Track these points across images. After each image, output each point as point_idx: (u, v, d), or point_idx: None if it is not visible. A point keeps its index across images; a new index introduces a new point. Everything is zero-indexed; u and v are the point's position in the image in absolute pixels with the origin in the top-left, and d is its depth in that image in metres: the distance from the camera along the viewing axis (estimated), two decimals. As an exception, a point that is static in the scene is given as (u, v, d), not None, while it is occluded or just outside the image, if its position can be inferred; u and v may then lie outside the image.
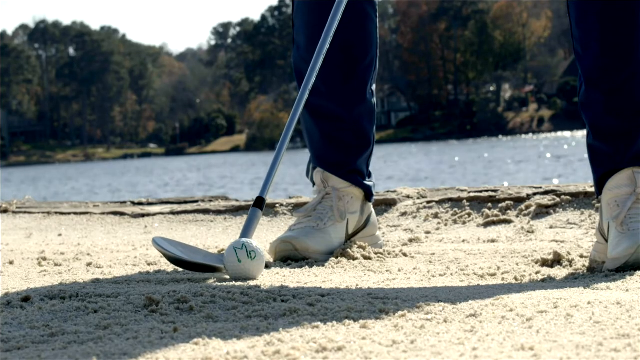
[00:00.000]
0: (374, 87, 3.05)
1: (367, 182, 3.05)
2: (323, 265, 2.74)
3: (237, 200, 4.27)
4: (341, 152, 3.01)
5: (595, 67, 2.62)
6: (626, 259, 2.44)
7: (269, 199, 4.07)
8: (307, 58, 2.96)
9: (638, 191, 2.59)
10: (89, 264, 2.92)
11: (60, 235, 3.94)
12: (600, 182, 2.67)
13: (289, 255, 2.85)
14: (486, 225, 3.43)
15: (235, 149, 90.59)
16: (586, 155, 2.74)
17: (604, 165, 2.65)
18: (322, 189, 3.02)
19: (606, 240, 2.58)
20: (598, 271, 2.50)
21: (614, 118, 2.61)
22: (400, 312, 1.83)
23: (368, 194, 3.04)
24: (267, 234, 3.60)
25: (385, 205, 3.76)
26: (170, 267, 2.80)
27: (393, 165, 34.69)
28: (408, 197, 3.82)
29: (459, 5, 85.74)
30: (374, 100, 3.05)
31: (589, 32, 2.61)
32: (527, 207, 3.49)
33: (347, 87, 2.97)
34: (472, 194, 3.68)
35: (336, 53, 2.93)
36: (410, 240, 3.24)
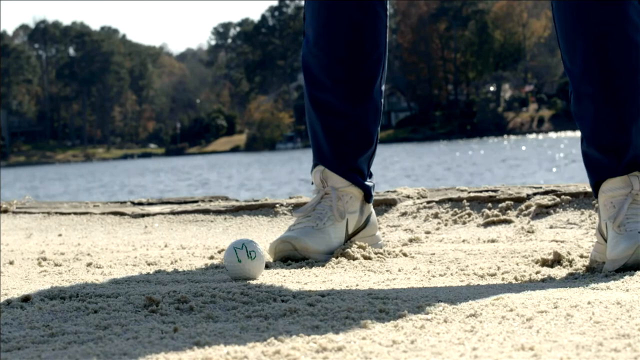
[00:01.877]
0: (383, 87, 3.03)
1: (367, 183, 3.03)
2: (323, 265, 2.73)
3: (237, 200, 4.26)
4: (342, 148, 2.98)
5: (583, 79, 2.60)
6: (625, 260, 2.43)
7: (269, 199, 4.07)
8: (315, 52, 2.95)
9: (634, 192, 2.58)
10: (89, 264, 2.92)
11: (60, 235, 3.94)
12: (596, 186, 2.66)
13: (288, 255, 2.84)
14: (486, 225, 3.43)
15: (235, 149, 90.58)
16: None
17: (598, 173, 2.63)
18: (321, 189, 3.01)
19: (606, 241, 2.57)
20: (598, 271, 2.49)
21: (608, 130, 2.59)
22: (400, 312, 1.83)
23: (367, 194, 3.03)
24: (267, 234, 3.60)
25: (385, 205, 3.75)
26: (170, 267, 2.80)
27: (393, 165, 34.62)
28: (408, 197, 3.81)
29: (459, 5, 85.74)
30: (382, 100, 3.03)
31: (574, 44, 2.59)
32: (527, 207, 3.49)
33: (352, 83, 2.96)
34: (472, 194, 3.67)
35: (343, 49, 2.93)
36: (410, 240, 3.24)
